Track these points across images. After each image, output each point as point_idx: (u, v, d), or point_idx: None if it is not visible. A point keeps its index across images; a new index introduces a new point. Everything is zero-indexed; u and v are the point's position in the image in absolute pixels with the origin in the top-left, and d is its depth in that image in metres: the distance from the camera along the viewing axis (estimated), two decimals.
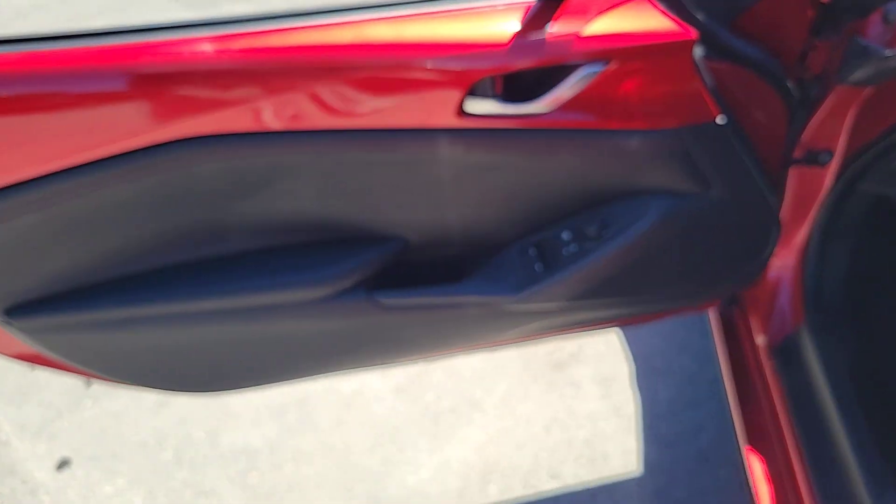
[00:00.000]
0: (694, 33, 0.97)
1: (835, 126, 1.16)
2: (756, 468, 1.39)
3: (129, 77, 0.91)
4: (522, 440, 1.82)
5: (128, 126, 0.93)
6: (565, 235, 1.17)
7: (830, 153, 1.19)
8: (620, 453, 1.78)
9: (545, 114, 1.00)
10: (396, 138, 1.02)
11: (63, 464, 1.82)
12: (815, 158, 1.20)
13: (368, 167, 1.05)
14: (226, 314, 1.14)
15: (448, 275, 1.23)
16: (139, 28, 0.94)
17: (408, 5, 0.96)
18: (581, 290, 1.18)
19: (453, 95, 0.96)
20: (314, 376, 1.32)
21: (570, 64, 0.97)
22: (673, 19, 0.98)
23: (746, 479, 1.69)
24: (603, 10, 0.97)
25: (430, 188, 1.10)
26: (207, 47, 0.91)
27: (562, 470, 1.75)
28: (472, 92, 0.97)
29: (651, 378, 1.95)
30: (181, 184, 1.00)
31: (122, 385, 1.26)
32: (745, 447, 1.39)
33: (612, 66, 0.96)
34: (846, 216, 1.35)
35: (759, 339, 1.47)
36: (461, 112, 0.98)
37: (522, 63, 0.95)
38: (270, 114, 0.96)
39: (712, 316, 1.71)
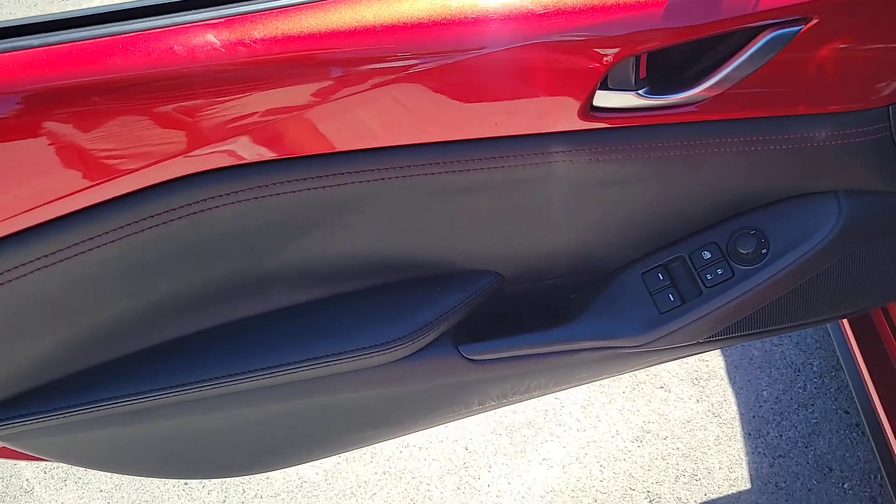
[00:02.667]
0: None
1: None
2: None
3: (95, 88, 0.64)
4: (611, 456, 1.61)
5: (105, 163, 0.67)
6: (707, 255, 0.90)
7: None
8: (726, 467, 1.56)
9: (706, 101, 0.73)
10: (496, 151, 0.75)
11: None
12: None
13: (457, 192, 0.79)
14: (269, 391, 0.89)
15: (543, 310, 0.98)
16: (100, 14, 0.67)
17: None
18: (732, 322, 0.93)
19: (581, 84, 0.69)
20: (381, 442, 1.09)
21: (748, 28, 0.69)
22: None
23: (881, 494, 1.48)
24: None
25: (536, 210, 0.84)
26: (209, 39, 0.64)
27: (661, 491, 1.54)
28: (606, 79, 0.70)
29: (750, 373, 1.72)
30: (187, 235, 0.75)
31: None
32: None
33: (813, 24, 0.68)
34: None
35: None
36: (589, 108, 0.71)
37: (688, 30, 0.67)
38: (312, 132, 0.69)
39: None
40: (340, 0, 0.65)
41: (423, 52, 0.65)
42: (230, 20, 0.64)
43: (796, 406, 1.64)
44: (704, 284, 0.90)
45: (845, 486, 1.50)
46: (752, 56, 0.69)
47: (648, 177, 0.81)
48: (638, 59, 0.69)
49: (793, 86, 0.74)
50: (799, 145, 0.79)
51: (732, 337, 0.96)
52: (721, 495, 1.52)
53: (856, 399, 1.45)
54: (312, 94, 0.67)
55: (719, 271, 0.89)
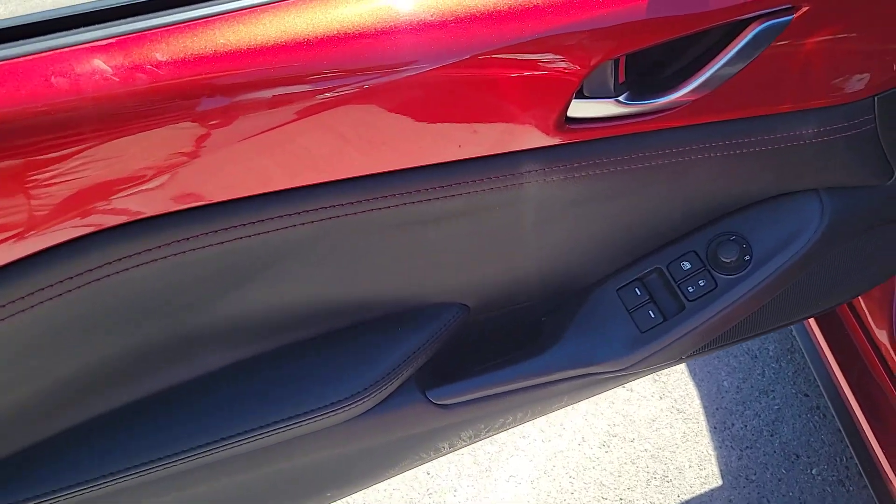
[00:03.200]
0: None
1: None
2: None
3: None
4: (580, 466, 1.54)
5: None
6: (686, 266, 0.84)
7: None
8: (696, 464, 1.53)
9: (689, 104, 0.66)
10: (460, 176, 0.66)
11: None
12: None
13: (416, 224, 0.69)
14: (211, 468, 0.77)
15: (513, 337, 0.89)
16: None
17: None
18: (718, 333, 0.87)
19: (555, 94, 0.60)
20: (343, 497, 0.98)
21: (733, 21, 0.62)
22: None
23: (847, 477, 1.47)
24: None
25: (505, 235, 0.75)
26: (97, 66, 0.52)
27: (633, 497, 1.49)
28: (581, 87, 0.61)
29: (709, 363, 1.69)
30: (91, 305, 0.63)
31: None
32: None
33: (803, 13, 0.62)
34: None
35: (881, 334, 1.21)
36: (563, 121, 0.63)
37: (674, 25, 0.60)
38: (237, 171, 0.58)
39: None
40: (261, 11, 0.53)
41: (368, 67, 0.55)
42: (123, 40, 0.52)
43: (757, 394, 1.63)
44: (686, 298, 0.83)
45: (813, 471, 1.49)
46: (740, 51, 0.62)
47: (627, 191, 0.74)
48: (616, 62, 0.61)
49: (781, 81, 0.67)
50: (785, 144, 0.73)
51: (716, 347, 0.90)
52: (694, 495, 1.48)
53: (818, 381, 1.43)
54: (234, 126, 0.55)
55: (701, 283, 0.83)
